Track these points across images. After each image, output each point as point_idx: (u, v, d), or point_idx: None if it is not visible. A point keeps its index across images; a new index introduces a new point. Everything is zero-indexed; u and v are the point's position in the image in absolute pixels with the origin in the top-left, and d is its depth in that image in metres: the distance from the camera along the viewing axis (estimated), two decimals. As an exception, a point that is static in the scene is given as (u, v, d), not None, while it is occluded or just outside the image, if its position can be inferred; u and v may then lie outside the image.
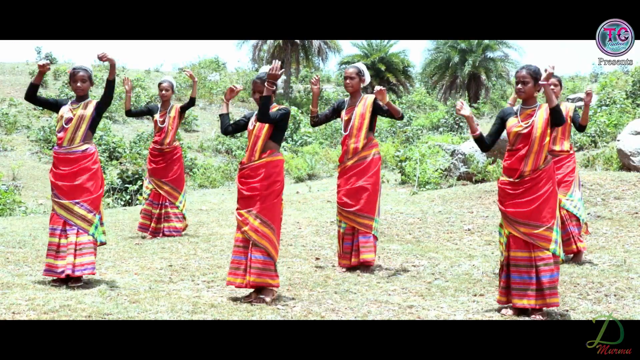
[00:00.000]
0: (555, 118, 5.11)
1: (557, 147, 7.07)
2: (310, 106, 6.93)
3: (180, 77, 35.50)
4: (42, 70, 5.99)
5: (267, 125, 5.58)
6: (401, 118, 6.76)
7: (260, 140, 5.59)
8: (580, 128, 7.15)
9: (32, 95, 6.10)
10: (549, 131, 5.19)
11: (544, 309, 5.26)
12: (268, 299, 5.53)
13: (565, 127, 7.07)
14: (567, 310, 5.44)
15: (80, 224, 5.94)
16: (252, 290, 5.66)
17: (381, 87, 6.54)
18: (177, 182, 8.77)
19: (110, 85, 6.01)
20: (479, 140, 5.40)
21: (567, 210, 7.03)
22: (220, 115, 5.91)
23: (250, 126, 5.70)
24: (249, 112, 5.87)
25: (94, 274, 6.06)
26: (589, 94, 6.97)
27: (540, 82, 5.14)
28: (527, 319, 5.21)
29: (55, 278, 5.96)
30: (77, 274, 5.90)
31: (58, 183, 5.97)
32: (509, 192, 5.27)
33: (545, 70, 5.11)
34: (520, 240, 5.20)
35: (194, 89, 8.87)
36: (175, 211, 8.71)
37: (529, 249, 5.18)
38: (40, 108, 26.76)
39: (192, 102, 8.87)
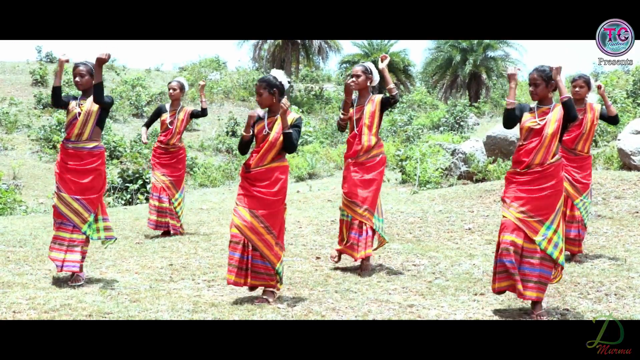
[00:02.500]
0: (567, 112, 5.13)
1: (579, 147, 7.04)
2: (342, 112, 6.80)
3: (180, 76, 35.45)
4: (61, 64, 5.92)
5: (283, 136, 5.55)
6: (394, 98, 6.65)
7: (275, 149, 5.52)
8: (612, 120, 7.09)
9: (58, 98, 6.01)
10: (561, 129, 5.23)
11: (543, 306, 5.27)
12: (271, 299, 5.53)
13: (592, 129, 7.04)
14: (567, 310, 5.44)
15: (75, 220, 5.94)
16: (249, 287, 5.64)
17: (384, 54, 6.56)
18: (177, 180, 8.80)
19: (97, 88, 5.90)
20: (512, 112, 5.37)
21: (579, 212, 7.04)
22: (242, 138, 5.59)
23: (266, 130, 5.52)
24: (262, 112, 5.68)
25: (79, 272, 5.99)
26: (599, 87, 7.01)
27: (553, 78, 5.15)
28: (527, 319, 5.21)
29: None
30: (65, 269, 5.89)
31: (64, 176, 5.98)
32: (513, 180, 5.31)
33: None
34: (513, 225, 5.21)
35: (202, 101, 8.90)
36: (171, 207, 8.72)
37: (521, 235, 5.19)
38: (42, 107, 26.92)
39: (203, 113, 8.95)
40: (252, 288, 5.65)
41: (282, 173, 5.56)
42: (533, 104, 5.40)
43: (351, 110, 6.81)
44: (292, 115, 5.60)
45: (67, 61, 5.99)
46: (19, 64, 35.17)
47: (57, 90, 5.99)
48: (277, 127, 5.53)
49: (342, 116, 6.79)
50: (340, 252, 6.87)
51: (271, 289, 5.59)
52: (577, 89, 6.96)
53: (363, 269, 6.71)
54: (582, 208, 7.06)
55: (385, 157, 6.91)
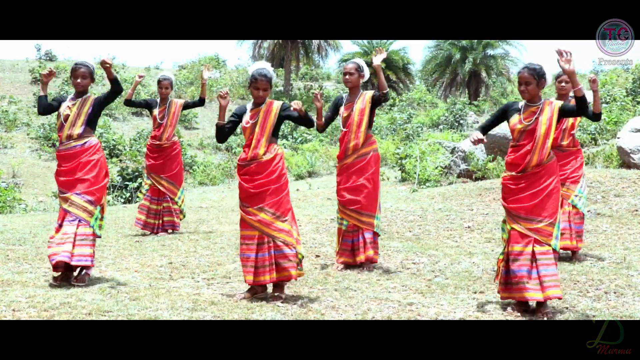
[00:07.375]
0: (580, 108, 5.13)
1: (565, 142, 7.02)
2: (316, 119, 6.80)
3: (180, 74, 35.44)
4: (46, 80, 6.06)
5: (269, 121, 5.59)
6: (385, 96, 6.65)
7: (265, 136, 5.57)
8: (595, 117, 7.03)
9: (46, 107, 6.10)
10: (553, 128, 5.20)
11: (549, 306, 5.28)
12: (284, 295, 5.58)
13: (574, 122, 7.01)
14: (567, 308, 5.44)
15: (81, 214, 5.89)
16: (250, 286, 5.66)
17: (380, 47, 6.58)
18: (176, 177, 8.77)
19: (114, 83, 6.02)
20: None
21: (574, 206, 7.01)
22: (217, 125, 5.70)
23: (245, 123, 5.63)
24: (237, 109, 5.80)
25: (92, 266, 5.98)
26: (594, 81, 6.88)
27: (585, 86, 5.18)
28: (528, 318, 5.21)
29: (57, 273, 5.93)
30: (74, 263, 5.82)
31: (61, 179, 5.99)
32: (511, 187, 5.28)
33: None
34: (522, 235, 5.22)
35: (204, 89, 8.91)
36: (175, 207, 8.73)
37: (530, 243, 5.20)
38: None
39: (201, 103, 8.97)
40: (264, 287, 5.66)
41: (281, 159, 5.64)
42: (521, 103, 5.36)
43: (341, 109, 6.81)
44: (275, 104, 5.66)
45: (54, 74, 6.12)
46: (18, 62, 35.15)
47: (43, 99, 6.14)
48: (262, 115, 5.61)
49: (318, 122, 6.82)
50: (344, 263, 6.82)
51: (281, 283, 5.61)
52: (563, 84, 6.94)
53: (366, 267, 6.69)
54: (578, 203, 7.04)
55: (378, 154, 6.83)
